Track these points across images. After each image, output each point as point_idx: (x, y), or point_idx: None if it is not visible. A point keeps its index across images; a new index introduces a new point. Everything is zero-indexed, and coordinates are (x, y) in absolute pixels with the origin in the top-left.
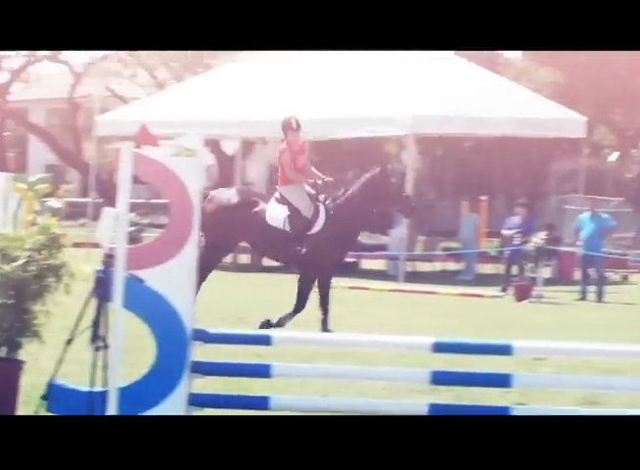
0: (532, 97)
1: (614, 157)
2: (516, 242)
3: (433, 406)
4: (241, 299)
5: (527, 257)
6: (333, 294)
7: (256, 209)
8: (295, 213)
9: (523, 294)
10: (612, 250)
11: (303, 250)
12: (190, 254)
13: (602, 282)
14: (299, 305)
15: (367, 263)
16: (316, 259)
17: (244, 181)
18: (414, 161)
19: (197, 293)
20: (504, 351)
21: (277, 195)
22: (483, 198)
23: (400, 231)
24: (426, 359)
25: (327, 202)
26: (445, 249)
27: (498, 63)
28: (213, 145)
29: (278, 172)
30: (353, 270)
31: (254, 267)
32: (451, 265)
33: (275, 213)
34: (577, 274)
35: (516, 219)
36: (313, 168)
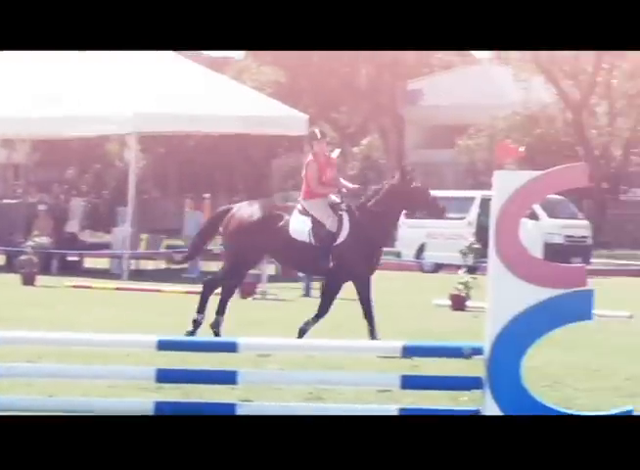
0: (255, 95)
1: (335, 154)
2: None
3: (159, 404)
4: None
5: None
6: (56, 293)
7: (280, 223)
8: (318, 226)
9: (247, 291)
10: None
11: (331, 262)
12: None
13: None
14: (322, 310)
15: (90, 262)
16: (344, 270)
17: None
18: (136, 159)
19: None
20: (229, 347)
21: (299, 207)
22: (207, 195)
23: (123, 229)
24: (152, 357)
25: (351, 209)
26: (169, 246)
27: (219, 61)
28: None
29: (302, 185)
30: (76, 269)
31: None
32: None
33: (299, 226)
34: None
35: None
36: (341, 179)
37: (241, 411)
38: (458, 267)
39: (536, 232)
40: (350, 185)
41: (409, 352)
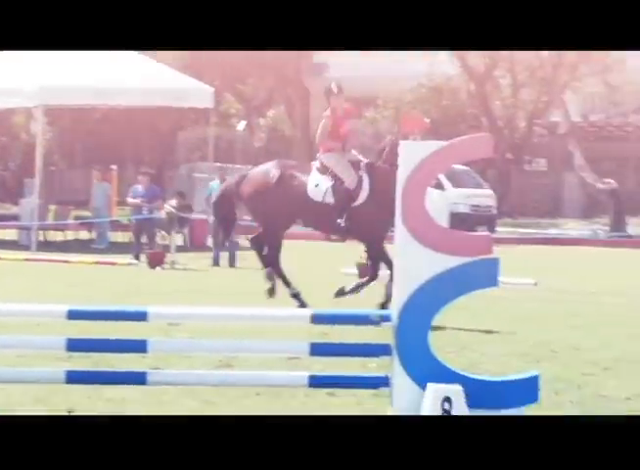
0: (161, 68)
1: (241, 126)
2: (144, 210)
3: (70, 373)
4: None
5: (159, 224)
6: None
7: (295, 182)
8: (337, 184)
9: (155, 261)
10: (242, 216)
11: (349, 223)
12: None
13: (234, 248)
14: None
15: None
16: (362, 232)
17: None
18: (43, 131)
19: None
20: (139, 317)
21: (317, 164)
22: (114, 167)
23: (31, 201)
24: (62, 327)
25: (370, 169)
26: (77, 217)
27: None
28: None
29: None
30: None
31: None
32: (84, 234)
33: (317, 185)
34: (210, 241)
35: (139, 188)
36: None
37: (151, 379)
38: None
39: (442, 202)
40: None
41: (318, 319)
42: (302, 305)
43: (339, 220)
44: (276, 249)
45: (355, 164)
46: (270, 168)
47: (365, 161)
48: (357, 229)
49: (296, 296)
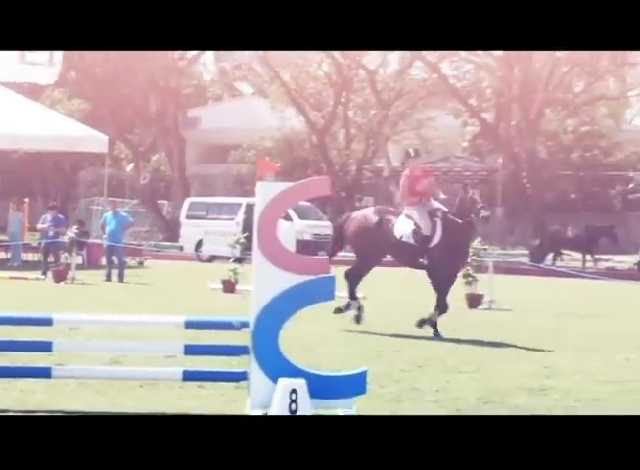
0: (66, 120)
1: (130, 167)
2: (50, 235)
3: None
4: None
5: (62, 247)
6: None
7: (389, 225)
8: (417, 230)
9: (59, 277)
10: (130, 241)
11: (425, 261)
12: None
13: (122, 267)
14: (440, 305)
15: None
16: (437, 267)
17: None
18: None
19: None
20: (46, 322)
21: (405, 212)
22: (26, 200)
23: None
24: None
25: (445, 217)
26: None
27: (36, 88)
28: None
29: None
30: None
31: None
32: (1, 254)
33: (402, 229)
34: (103, 260)
35: (48, 217)
36: (440, 193)
37: (55, 373)
38: (228, 258)
39: (290, 231)
40: (442, 196)
41: (190, 325)
42: (342, 311)
43: (420, 260)
44: (366, 273)
45: (433, 212)
46: (370, 213)
47: (442, 209)
48: (432, 265)
49: (350, 306)
